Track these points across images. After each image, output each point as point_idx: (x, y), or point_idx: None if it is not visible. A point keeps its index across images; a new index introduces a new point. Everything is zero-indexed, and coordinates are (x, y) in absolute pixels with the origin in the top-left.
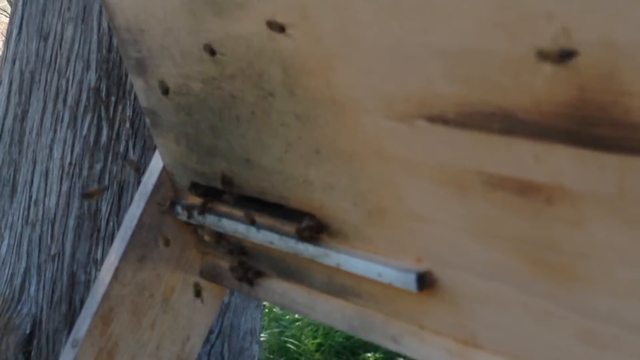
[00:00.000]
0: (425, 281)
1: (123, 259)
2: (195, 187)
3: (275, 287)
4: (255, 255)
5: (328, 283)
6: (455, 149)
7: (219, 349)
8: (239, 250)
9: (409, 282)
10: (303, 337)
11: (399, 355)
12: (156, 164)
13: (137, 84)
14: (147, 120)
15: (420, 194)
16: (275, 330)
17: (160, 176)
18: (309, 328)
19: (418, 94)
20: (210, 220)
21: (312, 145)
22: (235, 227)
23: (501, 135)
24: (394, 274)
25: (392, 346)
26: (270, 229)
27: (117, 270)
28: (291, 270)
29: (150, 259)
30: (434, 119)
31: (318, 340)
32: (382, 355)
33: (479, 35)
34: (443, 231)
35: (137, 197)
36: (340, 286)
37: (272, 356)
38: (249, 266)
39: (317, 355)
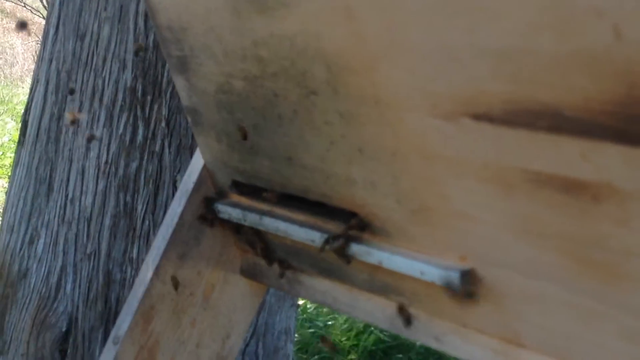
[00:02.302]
0: (469, 279)
1: (164, 257)
2: (236, 185)
3: (317, 286)
4: (295, 254)
5: (370, 281)
6: (500, 147)
7: (253, 348)
8: (277, 248)
9: (453, 280)
10: (336, 338)
11: (432, 356)
12: (197, 162)
13: (179, 83)
14: (189, 119)
15: (464, 192)
16: (309, 330)
17: (200, 174)
18: (343, 329)
19: (463, 93)
20: (250, 218)
21: (355, 143)
22: (276, 225)
23: (548, 133)
24: (437, 272)
25: (434, 345)
26: (312, 227)
27: (158, 268)
28: (333, 269)
29: (190, 257)
30: (479, 117)
31: (351, 342)
32: (415, 356)
33: (526, 33)
34: (488, 229)
35: (177, 195)
36: (382, 284)
37: (305, 356)
38: (289, 264)
39: (351, 355)
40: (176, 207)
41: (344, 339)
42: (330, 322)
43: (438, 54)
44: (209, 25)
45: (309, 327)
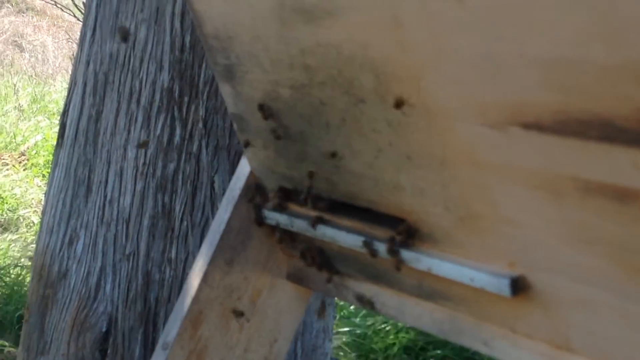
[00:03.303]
0: (519, 286)
1: (212, 262)
2: (283, 192)
3: (364, 290)
4: (343, 259)
5: (418, 287)
6: (550, 156)
7: (292, 347)
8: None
9: (503, 287)
10: (374, 336)
11: (466, 351)
12: (243, 168)
13: (225, 90)
14: (235, 125)
15: (513, 199)
16: (346, 329)
17: (247, 180)
18: (380, 327)
19: (513, 102)
20: (298, 224)
21: (403, 151)
22: (324, 231)
23: (598, 143)
24: (486, 278)
25: (483, 349)
26: (360, 234)
27: (206, 274)
28: (380, 274)
29: (238, 262)
30: (529, 126)
31: (389, 341)
32: (450, 352)
33: (576, 44)
34: (537, 236)
35: (224, 201)
36: (430, 290)
37: (342, 354)
38: (335, 270)
39: (387, 352)
40: (223, 213)
41: (381, 336)
42: (369, 322)
43: (486, 63)
44: (255, 34)
45: (347, 326)
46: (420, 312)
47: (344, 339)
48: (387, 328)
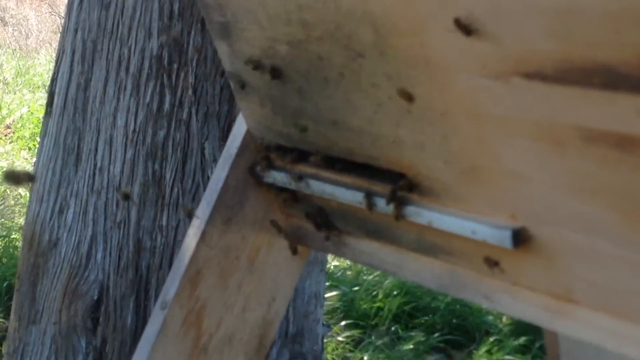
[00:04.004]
0: (520, 237)
1: (209, 222)
2: (280, 149)
3: (363, 247)
4: (342, 216)
5: (417, 241)
6: (553, 105)
7: (284, 313)
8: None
9: (504, 238)
10: (362, 302)
11: (456, 318)
12: (240, 127)
13: (221, 48)
14: (232, 84)
15: (516, 151)
16: (334, 293)
17: (244, 139)
18: (367, 292)
19: (514, 52)
20: (296, 182)
21: (403, 104)
22: (322, 188)
23: (601, 90)
24: (488, 231)
25: (484, 303)
26: (359, 189)
27: (203, 234)
28: (380, 230)
29: (235, 221)
30: (531, 75)
31: (377, 305)
32: (439, 318)
33: None
34: (539, 187)
35: (221, 160)
36: (430, 244)
37: (332, 321)
38: (334, 227)
39: (376, 319)
40: (220, 172)
41: (369, 302)
42: (355, 288)
43: (487, 13)
44: None
45: (335, 292)
46: (419, 267)
47: (332, 304)
48: (374, 293)
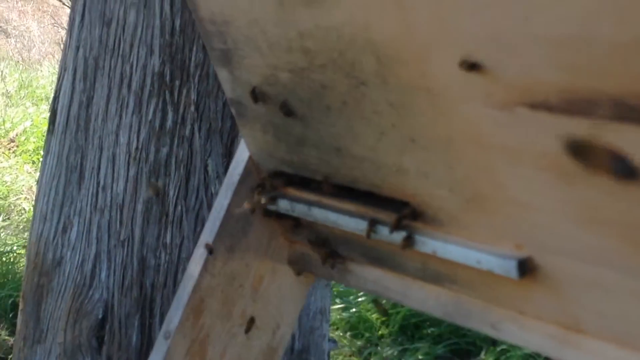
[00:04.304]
0: (526, 267)
1: (212, 250)
2: (283, 176)
3: (367, 275)
4: (346, 243)
5: (422, 270)
6: (558, 136)
7: None
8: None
9: (510, 268)
10: (368, 313)
11: (462, 328)
12: (242, 153)
13: (222, 75)
14: (233, 111)
15: (520, 180)
16: (340, 306)
17: (246, 166)
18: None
19: (519, 82)
20: (299, 209)
21: (406, 133)
22: (325, 215)
23: (607, 121)
24: (493, 260)
25: (491, 332)
26: (363, 217)
27: (206, 262)
28: (384, 257)
29: (238, 249)
30: (536, 106)
31: (383, 319)
32: (446, 328)
33: (584, 21)
34: (544, 217)
35: (223, 187)
36: (435, 273)
37: (337, 332)
38: (338, 254)
39: (382, 330)
40: (222, 199)
41: (375, 314)
42: (361, 299)
43: (492, 43)
44: (253, 18)
45: (340, 304)
46: (425, 296)
47: (337, 317)
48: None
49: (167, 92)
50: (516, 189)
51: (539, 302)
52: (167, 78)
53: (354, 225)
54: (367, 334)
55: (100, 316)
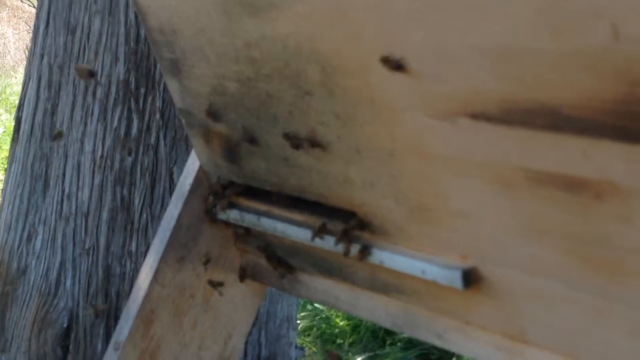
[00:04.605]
0: (471, 278)
1: (162, 260)
2: (232, 186)
3: (317, 285)
4: (295, 253)
5: (371, 280)
6: (499, 146)
7: (255, 337)
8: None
9: (454, 279)
10: (338, 319)
11: None
12: (192, 164)
13: (172, 85)
14: (182, 121)
15: (463, 191)
16: (310, 312)
17: (196, 176)
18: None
19: (460, 92)
20: (248, 219)
21: (352, 144)
22: (274, 225)
23: (547, 132)
24: (438, 271)
25: (437, 342)
26: (311, 227)
27: (156, 272)
28: (333, 268)
29: (189, 259)
30: (476, 116)
31: (354, 322)
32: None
33: (523, 33)
34: (488, 228)
35: (174, 198)
36: (383, 283)
37: (307, 339)
38: (287, 265)
39: (353, 336)
40: (173, 210)
41: (345, 320)
42: None
43: (434, 54)
44: (199, 28)
45: (311, 310)
46: (374, 306)
47: (307, 323)
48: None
49: (132, 99)
50: (459, 199)
51: (484, 312)
52: (132, 86)
53: (303, 235)
54: (338, 341)
55: (65, 325)
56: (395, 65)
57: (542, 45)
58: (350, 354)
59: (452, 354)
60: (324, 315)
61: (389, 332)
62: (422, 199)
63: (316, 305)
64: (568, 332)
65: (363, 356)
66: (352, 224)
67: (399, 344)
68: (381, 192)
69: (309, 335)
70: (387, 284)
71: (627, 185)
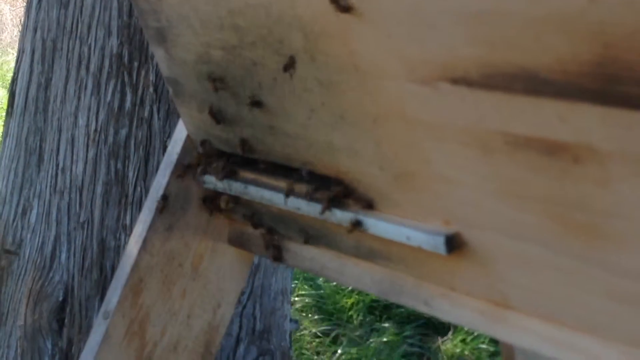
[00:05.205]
0: (454, 243)
1: (151, 229)
2: (220, 155)
3: (305, 253)
4: (282, 221)
5: (356, 247)
6: (479, 110)
7: (250, 310)
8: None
9: (438, 244)
10: (337, 295)
11: None
12: (180, 132)
13: (158, 54)
14: (170, 90)
15: (445, 156)
16: (310, 290)
17: (184, 145)
18: (343, 287)
19: (440, 57)
20: (236, 187)
21: (336, 110)
22: (261, 194)
23: (525, 96)
24: (422, 236)
25: (423, 309)
26: (297, 195)
27: (145, 241)
28: (320, 235)
29: (177, 228)
30: (457, 80)
31: (352, 300)
32: (412, 310)
33: None
34: (470, 193)
35: (162, 166)
36: (369, 250)
37: (307, 315)
38: (275, 232)
39: (351, 312)
40: (161, 178)
41: (344, 295)
42: (332, 283)
43: (412, 18)
44: None
45: (311, 286)
46: (360, 273)
47: (306, 301)
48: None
49: (125, 73)
50: (442, 164)
51: (468, 278)
52: (126, 59)
53: (289, 203)
54: (335, 316)
55: (60, 298)
56: (343, 7)
57: (517, 8)
58: (348, 329)
59: (449, 327)
60: (321, 292)
61: (385, 307)
62: (406, 165)
63: (315, 280)
64: (549, 296)
65: (359, 331)
66: (336, 192)
67: (396, 318)
68: (366, 159)
69: (305, 311)
70: (373, 251)
71: (605, 148)
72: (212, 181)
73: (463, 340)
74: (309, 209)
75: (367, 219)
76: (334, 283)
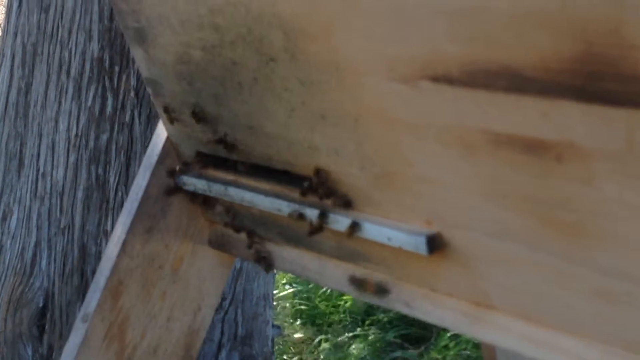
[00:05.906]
0: (435, 244)
1: (130, 231)
2: (200, 157)
3: (285, 255)
4: (263, 223)
5: (337, 248)
6: (460, 109)
7: (232, 316)
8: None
9: (419, 245)
10: (317, 299)
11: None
12: (160, 134)
13: (138, 54)
14: (149, 90)
15: (426, 155)
16: (289, 292)
17: (164, 146)
18: (323, 290)
19: (421, 55)
20: (216, 189)
21: (316, 110)
22: (242, 195)
23: (507, 93)
24: (403, 237)
25: (405, 310)
26: (278, 196)
27: (124, 244)
28: (300, 237)
29: (157, 230)
30: (438, 79)
31: (332, 303)
32: (396, 314)
33: None
34: (452, 192)
35: (142, 168)
36: (350, 251)
37: (286, 319)
38: (256, 234)
39: (332, 317)
40: (141, 180)
41: (325, 300)
42: (311, 285)
43: (393, 15)
44: None
45: (290, 290)
46: (340, 275)
47: (287, 305)
48: (330, 291)
49: (106, 78)
50: (423, 164)
51: (450, 278)
52: (107, 64)
53: (270, 204)
54: (317, 321)
55: (41, 305)
56: None
57: (499, 5)
58: (329, 335)
59: (432, 334)
60: (303, 296)
61: (368, 313)
62: (387, 165)
63: (296, 285)
64: (532, 296)
65: (342, 336)
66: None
67: (378, 324)
68: (347, 159)
69: (287, 315)
70: (354, 252)
71: (587, 146)
72: (192, 182)
73: (446, 346)
74: (289, 209)
75: (348, 219)
76: (312, 286)
